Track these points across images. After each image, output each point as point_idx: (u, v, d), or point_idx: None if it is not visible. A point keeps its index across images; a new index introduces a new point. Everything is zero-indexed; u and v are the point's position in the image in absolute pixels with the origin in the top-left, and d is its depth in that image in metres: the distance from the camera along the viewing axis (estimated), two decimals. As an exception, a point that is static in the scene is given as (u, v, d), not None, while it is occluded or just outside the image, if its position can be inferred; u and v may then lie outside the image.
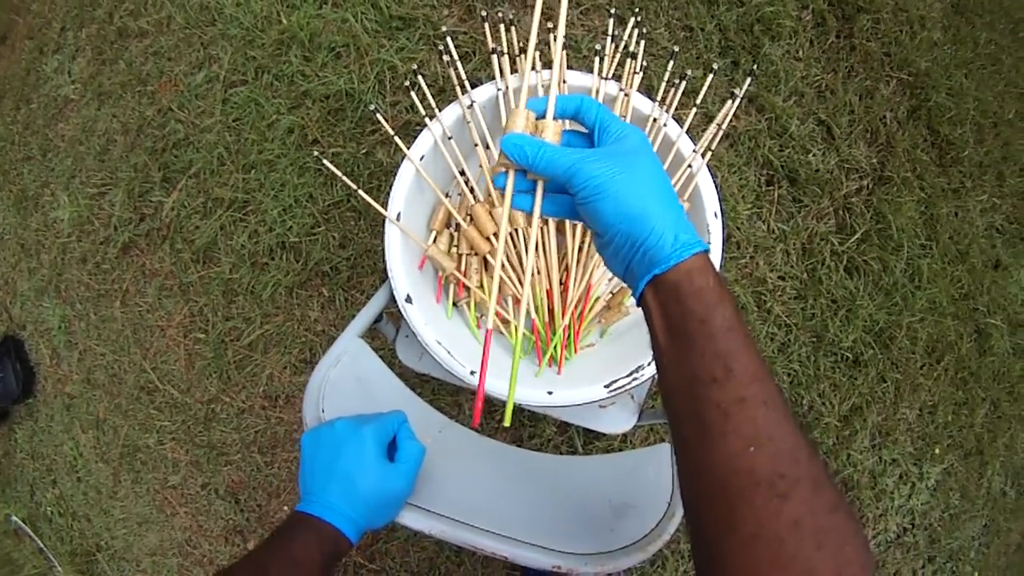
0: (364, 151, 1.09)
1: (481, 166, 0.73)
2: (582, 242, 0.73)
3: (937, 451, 1.28)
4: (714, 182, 0.72)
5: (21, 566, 1.53)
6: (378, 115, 0.67)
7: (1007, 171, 1.37)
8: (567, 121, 0.46)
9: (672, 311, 0.35)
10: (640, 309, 0.39)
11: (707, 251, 0.37)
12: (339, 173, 0.67)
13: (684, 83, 0.73)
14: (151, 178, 1.26)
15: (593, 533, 0.58)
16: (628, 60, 0.74)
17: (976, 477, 1.33)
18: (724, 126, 0.72)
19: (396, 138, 0.66)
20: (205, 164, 1.19)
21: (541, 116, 0.43)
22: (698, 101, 0.73)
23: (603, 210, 0.37)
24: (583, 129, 0.45)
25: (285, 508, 1.23)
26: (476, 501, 0.61)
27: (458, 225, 0.74)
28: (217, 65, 1.21)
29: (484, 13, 0.69)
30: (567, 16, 1.12)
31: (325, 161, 0.69)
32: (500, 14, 1.11)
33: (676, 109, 0.73)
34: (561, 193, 0.42)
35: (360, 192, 0.66)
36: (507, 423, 0.44)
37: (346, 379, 0.66)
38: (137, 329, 1.30)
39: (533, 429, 1.11)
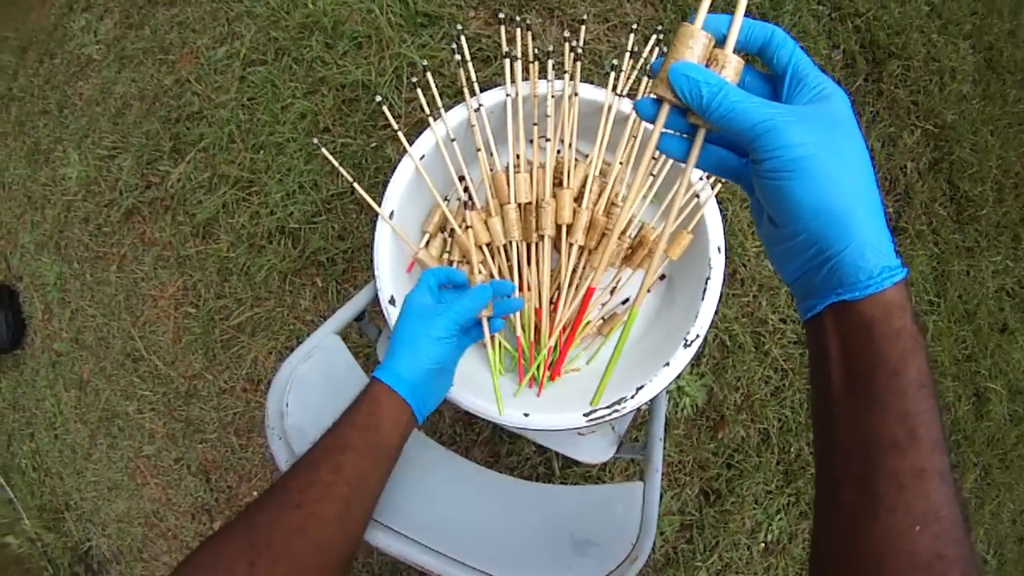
0: (374, 145, 1.06)
1: (483, 172, 0.70)
2: (577, 263, 0.70)
3: None
4: (722, 215, 0.69)
5: None
6: (384, 108, 0.65)
7: None
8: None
9: (857, 352, 0.29)
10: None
11: (907, 277, 0.29)
12: (336, 162, 0.64)
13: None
14: (161, 147, 1.24)
15: (549, 567, 0.55)
16: (645, 78, 0.72)
17: None
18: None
19: (400, 133, 0.63)
20: (215, 139, 1.17)
21: (719, 40, 0.31)
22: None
23: (793, 194, 0.28)
24: (761, 71, 0.34)
25: (255, 493, 1.20)
26: (434, 519, 0.58)
27: (452, 231, 0.71)
28: (239, 42, 1.19)
29: (502, 15, 0.67)
30: (593, 31, 1.10)
31: (324, 149, 0.66)
32: (525, 19, 1.09)
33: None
34: (721, 145, 0.34)
35: (354, 184, 0.63)
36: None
37: (315, 375, 0.63)
38: (130, 296, 1.28)
39: (512, 446, 1.08)
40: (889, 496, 0.27)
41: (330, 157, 0.62)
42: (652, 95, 0.32)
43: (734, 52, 0.31)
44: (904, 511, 0.27)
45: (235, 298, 1.16)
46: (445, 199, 0.75)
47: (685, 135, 0.33)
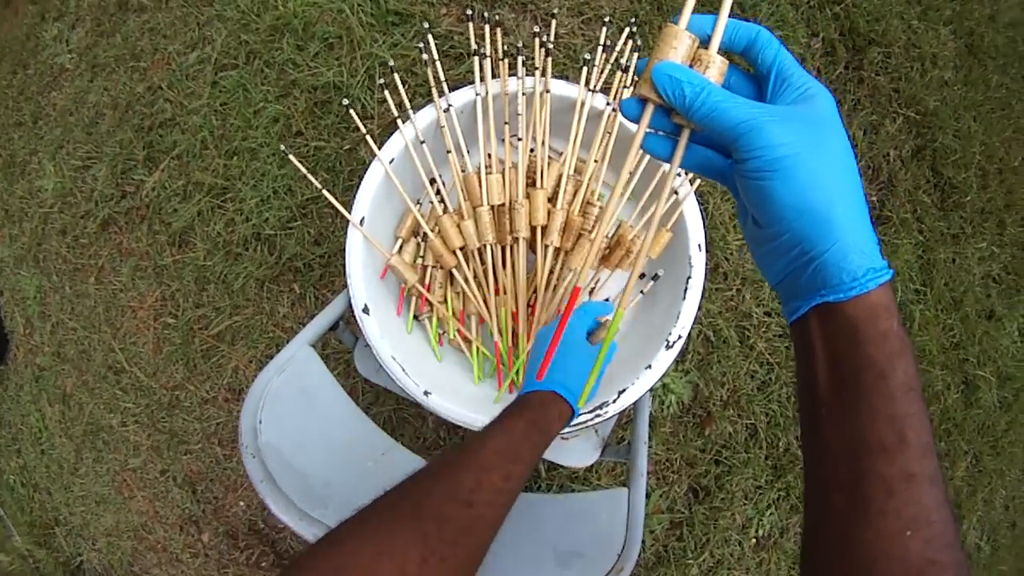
0: (347, 147, 1.04)
1: (454, 174, 0.68)
2: (553, 264, 0.68)
3: None
4: (702, 210, 0.67)
5: None
6: (352, 111, 0.62)
7: (1009, 219, 1.31)
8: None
9: (843, 354, 0.28)
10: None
11: (892, 278, 0.28)
12: (304, 169, 0.62)
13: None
14: (135, 156, 1.21)
15: None
16: (619, 72, 0.69)
17: None
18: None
19: (368, 137, 0.61)
20: (189, 146, 1.14)
21: (703, 40, 0.31)
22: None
23: (775, 194, 0.28)
24: (743, 69, 0.34)
25: (241, 503, 1.18)
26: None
27: (425, 235, 0.69)
28: (210, 47, 1.16)
29: (469, 12, 0.64)
30: (567, 25, 1.07)
31: (292, 157, 0.64)
32: (497, 16, 1.06)
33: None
34: (706, 145, 0.33)
35: (324, 191, 0.61)
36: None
37: (289, 389, 0.61)
38: (109, 308, 1.25)
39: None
40: (879, 501, 0.26)
41: (299, 165, 0.59)
42: (636, 95, 0.32)
43: (719, 52, 0.31)
44: (894, 516, 0.26)
45: (213, 307, 1.13)
46: (417, 203, 0.72)
47: (669, 135, 0.33)
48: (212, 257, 1.11)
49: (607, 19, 0.69)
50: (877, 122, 1.21)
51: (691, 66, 0.30)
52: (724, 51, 0.32)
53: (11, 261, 1.43)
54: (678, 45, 0.30)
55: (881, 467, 0.27)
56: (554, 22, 0.69)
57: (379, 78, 1.05)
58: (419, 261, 0.72)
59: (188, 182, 1.14)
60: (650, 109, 0.31)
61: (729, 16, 0.30)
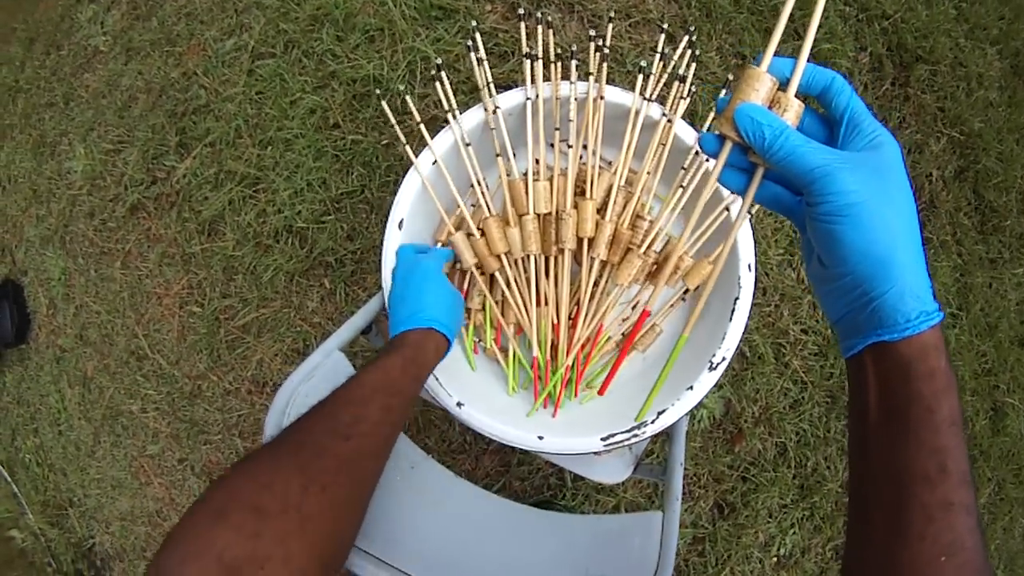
0: (385, 142, 1.01)
1: (502, 178, 0.65)
2: (599, 277, 0.65)
3: None
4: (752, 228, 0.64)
5: None
6: (384, 104, 0.59)
7: None
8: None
9: (895, 390, 0.30)
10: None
11: (943, 319, 0.30)
12: (390, 113, 0.59)
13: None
14: (167, 141, 1.19)
15: None
16: (676, 83, 0.66)
17: None
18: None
19: (403, 139, 0.58)
20: (222, 134, 1.12)
21: (783, 83, 0.33)
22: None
23: (843, 238, 0.29)
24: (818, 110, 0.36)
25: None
26: (437, 553, 0.54)
27: (469, 235, 0.66)
28: (248, 34, 1.14)
29: (522, 10, 0.61)
30: (614, 28, 1.04)
31: (384, 104, 0.61)
32: (542, 14, 1.03)
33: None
34: (777, 182, 0.35)
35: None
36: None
37: (317, 395, 0.58)
38: (134, 293, 1.23)
39: (523, 456, 1.03)
40: (918, 525, 0.28)
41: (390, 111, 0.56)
42: (716, 131, 0.33)
43: (795, 95, 0.33)
44: (932, 541, 0.28)
45: (241, 298, 1.11)
46: (457, 206, 0.70)
47: (744, 170, 0.34)
48: (242, 247, 1.09)
49: (664, 26, 0.66)
50: (921, 141, 1.18)
51: (770, 108, 0.32)
52: (801, 93, 0.33)
53: (37, 241, 1.41)
54: (759, 87, 0.32)
55: (923, 495, 0.28)
56: (610, 26, 0.66)
57: (420, 73, 1.03)
58: (458, 266, 0.69)
59: (220, 170, 1.11)
60: (728, 146, 0.33)
61: (808, 62, 0.32)
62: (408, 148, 0.58)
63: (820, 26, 1.14)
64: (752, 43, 1.06)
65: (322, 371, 0.59)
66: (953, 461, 0.28)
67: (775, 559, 1.10)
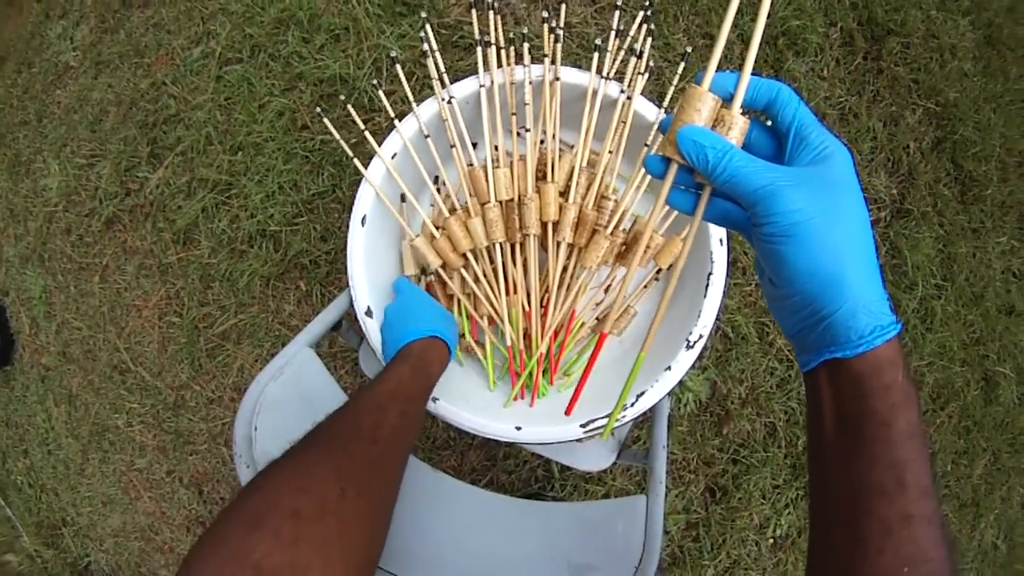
0: (354, 140, 1.00)
1: (459, 169, 0.64)
2: (567, 261, 0.64)
3: None
4: None
5: None
6: (350, 108, 0.58)
7: None
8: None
9: (849, 405, 0.30)
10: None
11: (900, 332, 0.29)
12: (333, 129, 0.58)
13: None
14: (139, 153, 1.18)
15: None
16: (632, 59, 0.65)
17: (968, 529, 1.24)
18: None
19: (367, 133, 0.57)
20: (193, 142, 1.11)
21: (725, 99, 0.32)
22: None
23: (790, 258, 0.29)
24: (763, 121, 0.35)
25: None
26: (420, 549, 0.53)
27: (432, 236, 0.65)
28: (214, 41, 1.13)
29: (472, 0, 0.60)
30: (580, 14, 1.03)
31: (326, 120, 0.60)
32: (509, 4, 1.02)
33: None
34: (727, 199, 0.34)
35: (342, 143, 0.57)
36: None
37: (286, 394, 0.57)
38: (114, 307, 1.22)
39: (508, 449, 1.02)
40: (877, 540, 0.28)
41: (332, 128, 0.56)
42: (661, 154, 0.33)
43: (741, 110, 0.32)
44: (892, 554, 0.27)
45: (219, 305, 1.10)
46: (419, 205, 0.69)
47: (692, 190, 0.33)
48: (217, 255, 1.08)
49: (619, 2, 0.65)
50: (897, 113, 1.17)
51: (714, 127, 0.31)
52: (746, 107, 0.32)
53: (16, 261, 1.40)
54: (702, 107, 0.31)
55: (880, 508, 0.28)
56: (563, 7, 0.65)
57: (387, 70, 1.01)
58: (424, 279, 0.69)
59: (192, 179, 1.10)
60: (674, 168, 0.32)
61: (752, 75, 0.31)
62: (369, 135, 0.57)
63: (789, 2, 1.13)
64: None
65: (291, 369, 0.58)
66: (912, 474, 0.28)
67: (771, 540, 1.09)
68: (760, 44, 0.31)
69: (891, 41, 1.18)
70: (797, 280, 0.29)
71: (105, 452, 1.28)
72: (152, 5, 1.27)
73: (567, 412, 0.47)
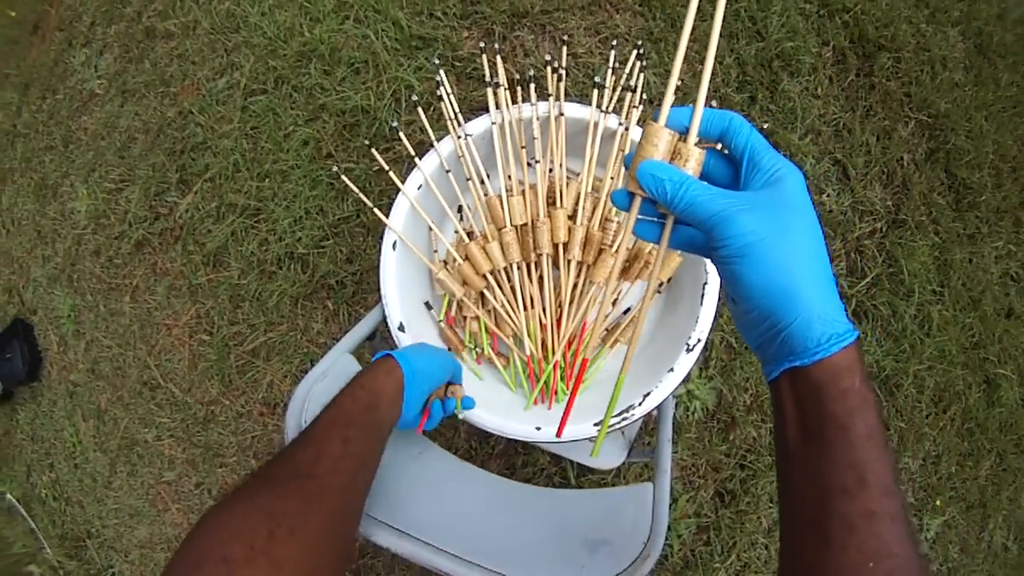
0: (376, 168, 1.13)
1: (475, 199, 0.76)
2: (577, 278, 0.76)
3: (939, 503, 1.28)
4: None
5: (11, 543, 1.58)
6: (374, 151, 0.71)
7: None
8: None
9: (809, 411, 0.33)
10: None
11: (858, 339, 0.33)
12: (356, 188, 0.70)
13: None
14: (168, 179, 1.31)
15: (562, 567, 0.60)
16: (628, 94, 0.77)
17: (977, 531, 1.32)
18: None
19: (391, 173, 0.69)
20: (221, 169, 1.24)
21: (681, 133, 0.36)
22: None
23: (745, 277, 0.33)
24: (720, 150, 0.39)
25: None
26: (448, 525, 0.64)
27: (456, 262, 0.77)
28: (239, 72, 1.26)
29: (483, 44, 0.72)
30: (585, 44, 1.16)
31: (345, 178, 0.72)
32: (517, 37, 1.15)
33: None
34: (691, 225, 0.38)
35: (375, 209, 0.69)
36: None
37: (331, 392, 0.69)
38: (144, 325, 1.34)
39: (527, 457, 1.13)
40: (840, 536, 0.30)
41: (351, 185, 0.68)
42: (625, 188, 0.37)
43: (697, 140, 0.36)
44: (856, 550, 0.30)
45: (248, 324, 1.22)
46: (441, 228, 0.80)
47: (657, 220, 0.38)
48: (246, 276, 1.21)
49: (614, 43, 0.77)
50: (890, 127, 1.28)
51: (672, 160, 0.35)
52: (701, 138, 0.36)
53: (44, 281, 1.53)
54: (659, 143, 0.35)
55: (843, 506, 0.31)
56: (564, 49, 0.77)
57: (405, 100, 1.14)
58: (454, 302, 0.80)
59: (221, 204, 1.23)
60: (638, 201, 0.36)
61: (705, 108, 0.35)
62: (393, 175, 0.69)
63: (782, 24, 1.25)
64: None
65: (334, 371, 0.70)
66: (872, 474, 0.31)
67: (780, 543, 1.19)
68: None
69: (882, 56, 1.29)
70: (754, 296, 0.32)
71: (133, 465, 1.40)
72: (175, 37, 1.41)
73: (558, 434, 0.53)
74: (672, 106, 0.35)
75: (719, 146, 0.38)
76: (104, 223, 1.41)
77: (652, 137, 0.35)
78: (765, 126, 1.19)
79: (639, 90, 0.76)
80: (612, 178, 0.77)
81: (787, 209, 0.33)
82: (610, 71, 0.77)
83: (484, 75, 1.05)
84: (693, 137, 0.36)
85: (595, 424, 0.70)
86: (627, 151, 0.76)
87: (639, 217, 0.37)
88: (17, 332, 1.52)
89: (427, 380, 0.58)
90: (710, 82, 1.15)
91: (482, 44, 0.73)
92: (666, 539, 1.01)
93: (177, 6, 1.43)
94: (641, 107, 0.76)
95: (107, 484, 1.44)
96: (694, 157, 0.35)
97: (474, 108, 1.12)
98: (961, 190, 1.32)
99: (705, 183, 0.34)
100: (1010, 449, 1.34)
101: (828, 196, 1.22)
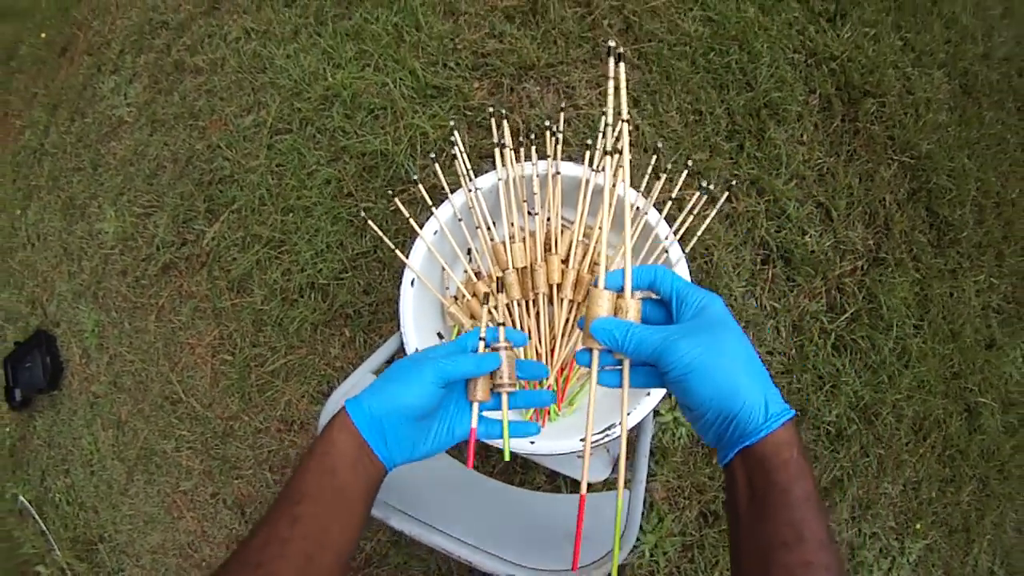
0: (393, 209, 1.31)
1: (482, 244, 0.95)
2: (569, 314, 0.95)
3: (919, 527, 1.38)
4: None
5: (21, 544, 1.70)
6: (397, 201, 0.90)
7: (1007, 250, 1.48)
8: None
9: (757, 481, 0.41)
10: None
11: (794, 417, 0.42)
12: (382, 234, 0.89)
13: (686, 171, 0.92)
14: (196, 207, 1.50)
15: (547, 553, 0.76)
16: (608, 156, 0.95)
17: (961, 555, 1.42)
18: (689, 219, 0.91)
19: (412, 220, 0.88)
20: (247, 202, 1.43)
21: (618, 291, 0.48)
22: (673, 193, 0.92)
23: (695, 388, 0.42)
24: (656, 297, 0.50)
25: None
26: (453, 513, 0.81)
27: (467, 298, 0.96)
28: (265, 111, 1.46)
29: (491, 109, 0.92)
30: (586, 97, 1.35)
31: (371, 223, 0.91)
32: (524, 89, 1.35)
33: (680, 192, 0.88)
34: (645, 365, 0.48)
35: (407, 263, 0.88)
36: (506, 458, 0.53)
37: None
38: (168, 343, 1.52)
39: (524, 476, 1.28)
40: None
41: (377, 230, 0.86)
42: (584, 347, 0.49)
43: (633, 295, 0.47)
44: None
45: (269, 347, 1.40)
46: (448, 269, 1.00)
47: (617, 368, 0.49)
48: (269, 302, 1.39)
49: (604, 110, 0.96)
50: (872, 169, 1.43)
51: (616, 313, 0.47)
52: (636, 290, 0.47)
53: (69, 296, 1.69)
54: (602, 303, 0.47)
55: (783, 558, 0.38)
56: (562, 115, 0.97)
57: (419, 146, 1.34)
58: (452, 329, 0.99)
59: (247, 234, 1.42)
60: (596, 354, 0.48)
61: (633, 266, 0.47)
62: (414, 222, 0.89)
63: (771, 75, 1.43)
64: (707, 100, 1.35)
65: (360, 386, 0.89)
66: (809, 530, 0.38)
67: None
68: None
69: (867, 102, 1.44)
70: (705, 402, 0.42)
71: (151, 474, 1.54)
72: (204, 72, 1.61)
73: (573, 567, 0.57)
74: (607, 271, 0.49)
75: (652, 294, 0.50)
76: (132, 245, 1.61)
77: (597, 299, 0.48)
78: (752, 172, 1.37)
79: (625, 152, 0.95)
80: (600, 228, 0.95)
81: (716, 327, 0.44)
82: (600, 134, 0.95)
83: (491, 126, 1.25)
84: (628, 293, 0.48)
85: (580, 440, 0.88)
86: (614, 204, 0.94)
87: (602, 368, 0.49)
88: (39, 342, 1.68)
89: (399, 417, 0.50)
90: (700, 132, 1.34)
91: (491, 108, 0.93)
92: (653, 556, 1.19)
93: (205, 42, 1.63)
94: (626, 167, 0.94)
95: (123, 491, 1.58)
96: (633, 307, 0.48)
97: (483, 155, 1.30)
98: (943, 227, 1.43)
99: (645, 325, 0.46)
100: (993, 475, 1.44)
101: (810, 237, 1.37)
